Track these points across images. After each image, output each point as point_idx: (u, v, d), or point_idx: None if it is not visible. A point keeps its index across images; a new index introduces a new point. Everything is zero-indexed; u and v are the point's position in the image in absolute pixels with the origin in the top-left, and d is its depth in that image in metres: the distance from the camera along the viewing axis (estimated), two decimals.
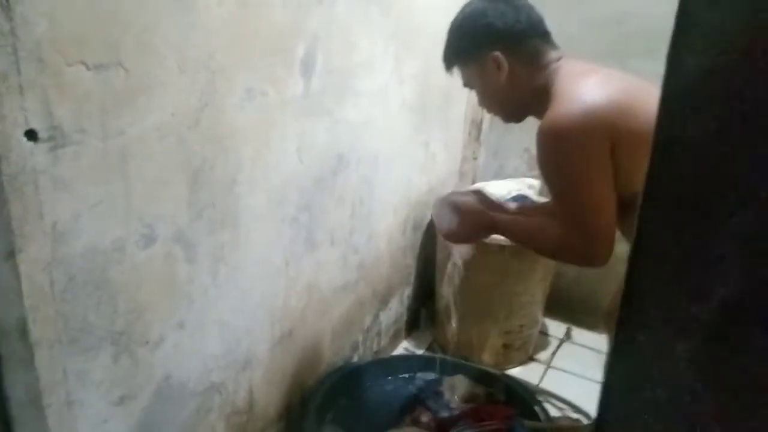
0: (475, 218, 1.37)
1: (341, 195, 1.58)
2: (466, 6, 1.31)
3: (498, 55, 1.26)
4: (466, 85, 1.38)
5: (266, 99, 1.22)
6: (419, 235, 2.13)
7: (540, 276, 1.98)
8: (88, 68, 0.86)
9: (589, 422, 1.76)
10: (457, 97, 2.13)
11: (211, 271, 1.19)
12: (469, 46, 1.30)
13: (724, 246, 0.37)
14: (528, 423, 1.55)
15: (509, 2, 1.27)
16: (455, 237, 1.43)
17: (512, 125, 1.42)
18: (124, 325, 1.02)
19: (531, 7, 1.29)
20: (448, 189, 2.08)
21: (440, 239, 2.04)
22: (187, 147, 1.06)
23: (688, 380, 0.40)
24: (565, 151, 1.14)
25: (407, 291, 2.14)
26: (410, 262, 2.11)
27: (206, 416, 1.27)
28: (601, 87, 1.16)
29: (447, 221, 1.40)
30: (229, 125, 1.14)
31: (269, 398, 1.48)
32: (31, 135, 0.81)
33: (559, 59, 1.26)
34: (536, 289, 2.01)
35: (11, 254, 0.83)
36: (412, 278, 2.16)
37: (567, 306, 2.29)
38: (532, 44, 1.26)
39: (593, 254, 1.17)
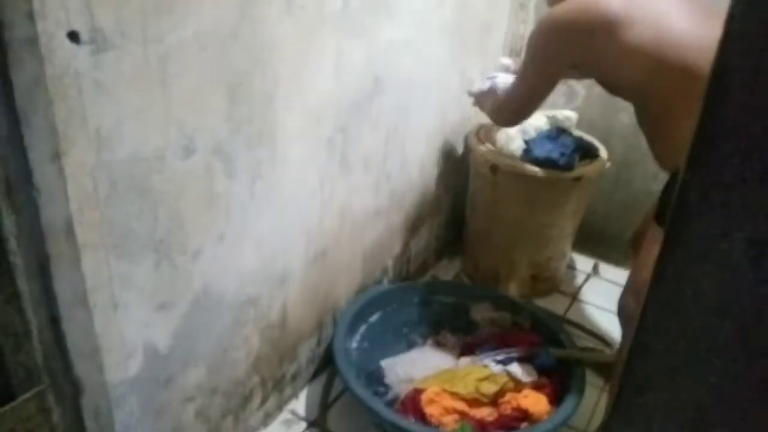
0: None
1: (377, 119, 1.57)
2: None
3: None
4: None
5: (305, 12, 1.19)
6: (451, 165, 2.11)
7: (572, 209, 1.96)
8: None
9: (612, 351, 1.78)
10: (497, 25, 2.07)
11: (248, 186, 1.20)
12: None
13: None
14: (552, 350, 1.57)
15: None
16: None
17: None
18: (164, 233, 1.04)
19: None
20: (482, 119, 2.04)
21: (473, 169, 2.03)
22: (227, 59, 1.05)
23: (743, 267, 0.39)
24: (536, 42, 1.39)
25: (437, 220, 2.14)
26: (441, 192, 2.10)
27: (241, 328, 1.31)
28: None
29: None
30: (269, 39, 1.13)
31: (302, 315, 1.52)
32: (73, 36, 0.81)
33: None
34: (566, 223, 2.00)
35: (57, 156, 0.84)
36: (442, 208, 2.15)
37: (596, 241, 2.27)
38: None
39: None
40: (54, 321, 0.96)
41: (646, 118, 1.37)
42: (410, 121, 1.73)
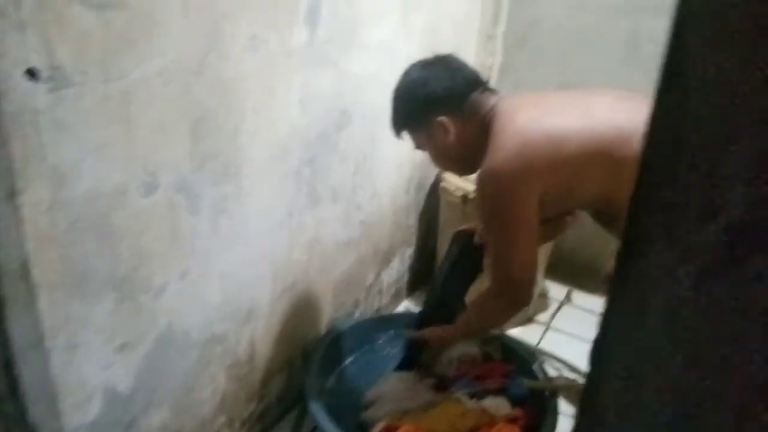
0: (439, 342, 1.53)
1: (344, 151, 1.57)
2: (404, 76, 1.34)
3: (442, 120, 1.29)
4: (417, 147, 1.41)
5: (270, 48, 1.19)
6: (422, 196, 2.12)
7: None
8: (89, 7, 0.84)
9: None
10: (465, 56, 2.09)
11: (213, 221, 1.18)
12: (414, 116, 1.34)
13: (731, 166, 0.36)
14: (526, 381, 1.56)
15: (445, 66, 1.32)
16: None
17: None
18: (126, 271, 1.02)
19: (465, 65, 1.35)
20: None
21: (444, 199, 2.04)
22: (191, 94, 1.05)
23: (689, 303, 0.40)
24: (495, 198, 1.23)
25: (409, 251, 2.14)
26: (413, 222, 2.11)
27: (207, 366, 1.28)
28: (528, 127, 1.21)
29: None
30: (233, 74, 1.12)
31: (270, 351, 1.49)
32: (31, 74, 0.80)
33: (496, 103, 1.29)
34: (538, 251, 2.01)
35: (12, 195, 0.82)
36: (414, 238, 2.15)
37: (568, 269, 2.29)
38: (472, 99, 1.30)
39: (518, 289, 1.29)
40: (8, 365, 0.92)
41: (606, 216, 1.35)
42: (379, 152, 1.74)
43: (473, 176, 1.93)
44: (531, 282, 1.29)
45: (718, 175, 0.37)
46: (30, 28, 0.78)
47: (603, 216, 1.37)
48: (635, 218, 0.45)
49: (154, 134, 1.00)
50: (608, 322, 0.49)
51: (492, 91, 1.34)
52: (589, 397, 0.57)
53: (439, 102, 1.29)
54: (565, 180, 1.23)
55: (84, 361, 0.99)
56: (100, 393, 1.04)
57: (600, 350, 0.52)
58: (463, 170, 1.44)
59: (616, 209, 1.22)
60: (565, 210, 1.43)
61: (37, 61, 0.80)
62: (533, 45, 2.21)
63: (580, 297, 2.26)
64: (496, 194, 1.22)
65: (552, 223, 1.50)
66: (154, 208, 1.04)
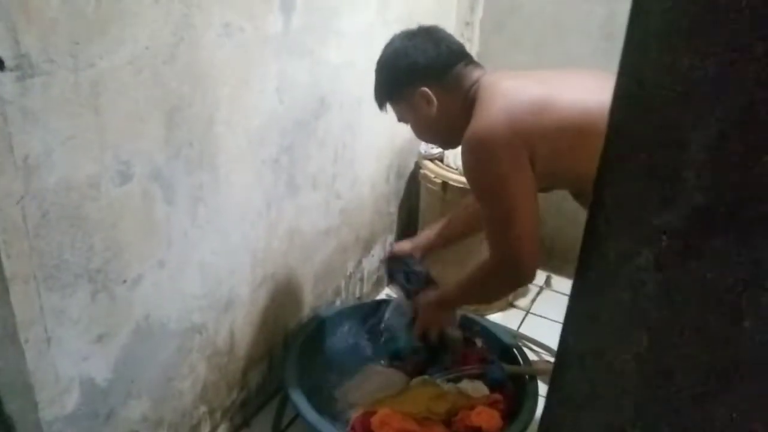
0: (430, 312, 1.48)
1: (323, 139, 1.56)
2: (387, 46, 1.32)
3: (425, 90, 1.27)
4: (400, 120, 1.38)
5: (245, 35, 1.18)
6: (402, 183, 2.12)
7: None
8: None
9: None
10: None
11: (190, 211, 1.17)
12: (396, 86, 1.31)
13: (689, 155, 0.37)
14: (506, 366, 1.58)
15: (428, 36, 1.29)
16: (432, 327, 1.50)
17: None
18: (100, 263, 1.01)
19: (450, 36, 1.31)
20: None
21: (423, 186, 2.04)
22: (163, 83, 1.03)
23: (650, 286, 0.40)
24: (483, 162, 1.17)
25: (390, 238, 2.14)
26: (393, 209, 2.11)
27: (187, 356, 1.28)
28: (515, 91, 1.18)
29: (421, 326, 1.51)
30: (207, 62, 1.11)
31: (251, 340, 1.49)
32: None
33: (480, 77, 1.27)
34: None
35: None
36: (394, 226, 2.16)
37: (547, 254, 2.30)
38: (456, 71, 1.28)
39: (519, 269, 1.21)
40: None
41: (585, 197, 1.24)
42: (359, 140, 1.73)
43: (453, 161, 1.95)
44: (533, 255, 1.19)
45: (676, 163, 0.38)
46: None
47: (584, 197, 1.36)
48: (598, 204, 0.45)
49: (127, 123, 0.99)
50: (575, 304, 0.50)
51: (476, 64, 1.31)
52: (559, 374, 0.58)
53: (421, 72, 1.26)
54: (550, 151, 1.17)
55: (60, 353, 0.98)
56: (77, 385, 1.03)
57: (567, 332, 0.53)
58: (445, 142, 1.41)
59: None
60: (546, 188, 1.42)
61: (2, 50, 0.79)
62: (510, 31, 2.21)
63: (560, 282, 2.29)
64: (485, 159, 1.16)
65: None
66: (128, 198, 1.03)
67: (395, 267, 1.58)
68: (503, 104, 1.17)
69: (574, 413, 0.50)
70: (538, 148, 1.17)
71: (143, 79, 0.99)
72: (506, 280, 1.27)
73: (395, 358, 1.61)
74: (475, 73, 1.28)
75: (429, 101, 1.28)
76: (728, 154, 0.36)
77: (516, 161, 1.15)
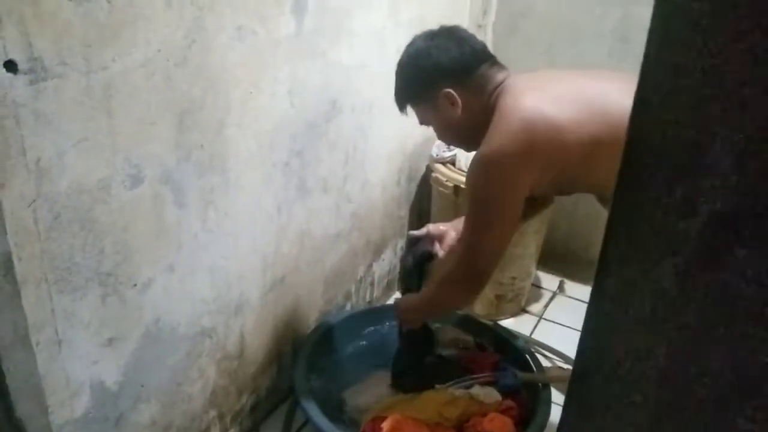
0: (407, 316, 1.50)
1: (334, 142, 1.56)
2: (409, 47, 1.30)
3: (449, 91, 1.25)
4: (422, 123, 1.37)
5: (257, 38, 1.18)
6: (414, 187, 2.11)
7: (534, 228, 1.97)
8: None
9: None
10: None
11: (200, 214, 1.17)
12: (419, 88, 1.29)
13: (713, 160, 0.36)
14: (520, 374, 1.56)
15: (451, 36, 1.27)
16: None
17: None
18: (111, 266, 1.01)
19: (472, 36, 1.30)
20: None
21: (435, 190, 2.03)
22: (175, 86, 1.03)
23: (673, 295, 0.39)
24: (488, 182, 1.20)
25: (401, 242, 2.13)
26: (404, 213, 2.10)
27: (197, 360, 1.27)
28: (534, 113, 1.17)
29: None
30: (218, 65, 1.11)
31: (261, 344, 1.48)
32: (10, 66, 0.79)
33: (504, 80, 1.26)
34: (530, 241, 2.01)
35: None
36: (405, 230, 2.14)
37: (561, 259, 2.29)
38: (480, 72, 1.26)
39: (474, 286, 1.29)
40: None
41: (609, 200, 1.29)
42: (370, 143, 1.73)
43: (465, 165, 1.93)
44: (491, 273, 1.27)
45: (699, 169, 0.37)
46: (7, 19, 0.76)
47: (608, 200, 1.33)
48: (618, 211, 0.44)
49: (138, 126, 0.99)
50: (593, 314, 0.49)
51: (501, 66, 1.29)
52: (576, 387, 0.56)
53: (445, 72, 1.24)
54: (570, 168, 1.19)
55: (71, 356, 0.98)
56: (87, 388, 1.03)
57: (586, 341, 0.52)
58: (468, 144, 1.38)
59: None
60: (567, 192, 1.40)
61: (15, 53, 0.79)
62: (523, 34, 2.20)
63: (573, 287, 2.26)
64: (487, 180, 1.19)
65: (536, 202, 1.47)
66: (139, 202, 1.02)
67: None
68: (521, 126, 1.16)
69: (592, 424, 0.49)
70: (554, 166, 1.18)
71: (155, 82, 0.99)
72: (464, 290, 1.31)
73: (398, 376, 1.59)
74: (500, 75, 1.26)
75: (453, 102, 1.26)
76: (754, 158, 0.35)
77: (514, 189, 1.19)
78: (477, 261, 1.24)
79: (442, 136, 1.38)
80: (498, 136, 1.18)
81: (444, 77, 1.25)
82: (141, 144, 1.00)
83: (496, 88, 1.25)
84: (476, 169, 1.21)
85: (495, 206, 1.20)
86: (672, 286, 0.39)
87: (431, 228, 1.56)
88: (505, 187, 1.18)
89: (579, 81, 1.26)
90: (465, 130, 1.30)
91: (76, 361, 0.99)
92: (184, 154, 1.09)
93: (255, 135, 1.26)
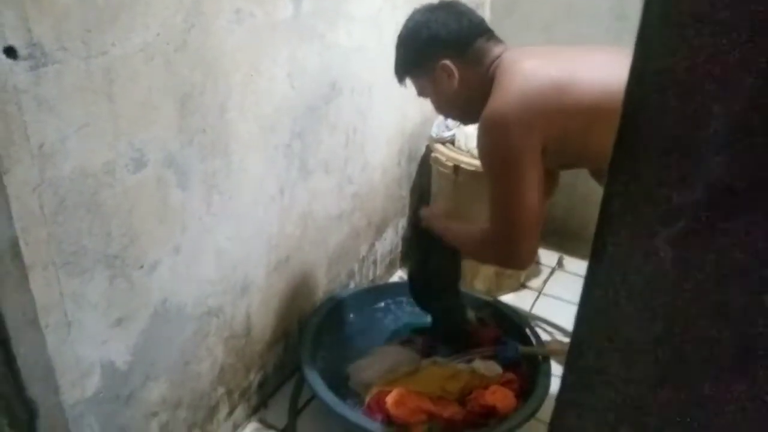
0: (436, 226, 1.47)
1: (335, 124, 1.57)
2: (408, 20, 1.31)
3: (447, 63, 1.26)
4: (420, 94, 1.37)
5: (255, 21, 1.19)
6: (414, 167, 2.12)
7: None
8: None
9: None
10: None
11: (204, 197, 1.18)
12: (417, 59, 1.30)
13: (710, 130, 0.37)
14: (520, 347, 1.59)
15: (449, 9, 1.28)
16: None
17: None
18: (117, 248, 1.03)
19: (471, 10, 1.30)
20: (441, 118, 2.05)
21: (435, 169, 2.04)
22: (175, 70, 1.04)
23: (669, 267, 0.40)
24: (496, 142, 1.17)
25: (402, 222, 2.15)
26: (405, 193, 2.11)
27: (204, 339, 1.30)
28: (534, 72, 1.17)
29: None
30: (218, 48, 1.12)
31: (267, 323, 1.51)
32: (9, 52, 0.80)
33: (502, 53, 1.26)
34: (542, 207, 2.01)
35: None
36: (407, 209, 2.16)
37: (559, 235, 2.30)
38: (477, 45, 1.26)
39: (513, 251, 1.22)
40: (3, 343, 0.94)
41: (604, 175, 1.26)
42: (370, 124, 1.73)
43: (464, 144, 1.94)
44: (530, 243, 1.21)
45: (696, 138, 0.38)
46: (6, 5, 0.77)
47: (602, 174, 1.33)
48: (614, 182, 0.45)
49: (140, 111, 1.00)
50: (590, 285, 0.50)
51: (498, 40, 1.30)
52: (575, 356, 0.58)
53: (443, 45, 1.25)
54: (569, 132, 1.18)
55: (80, 337, 1.00)
56: (97, 368, 1.05)
57: (583, 314, 0.53)
58: (465, 117, 1.40)
59: None
60: (566, 165, 1.40)
61: (15, 39, 0.79)
62: (521, 13, 2.19)
63: (572, 263, 2.28)
64: (499, 138, 1.17)
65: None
66: (143, 185, 1.04)
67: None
68: (521, 85, 1.17)
69: (591, 395, 0.51)
70: (555, 128, 1.17)
71: (155, 66, 1.00)
72: (496, 257, 1.28)
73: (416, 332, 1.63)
74: (497, 49, 1.27)
75: (450, 74, 1.27)
76: (751, 129, 0.36)
77: (528, 144, 1.16)
78: (511, 219, 1.19)
79: (439, 108, 1.39)
80: (500, 96, 1.18)
81: (442, 49, 1.26)
82: (143, 128, 1.01)
83: (493, 61, 1.26)
84: (483, 134, 1.20)
85: (510, 166, 1.17)
86: (668, 257, 0.40)
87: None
88: (515, 145, 1.15)
89: (577, 53, 1.26)
90: (462, 102, 1.31)
91: (85, 342, 1.02)
92: (187, 138, 1.10)
93: (256, 118, 1.27)
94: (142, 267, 1.09)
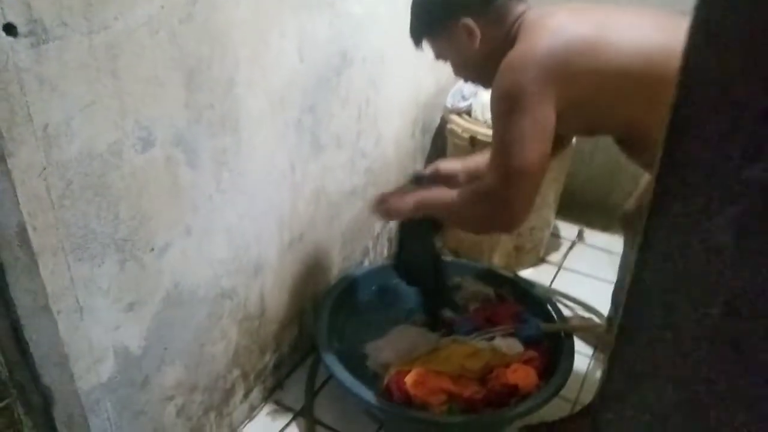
0: (401, 207, 1.37)
1: (346, 96, 1.52)
2: None
3: (468, 22, 1.19)
4: (437, 57, 1.30)
5: None
6: (428, 139, 2.07)
7: (552, 176, 1.93)
8: None
9: (601, 321, 1.77)
10: None
11: (214, 175, 1.15)
12: (436, 19, 1.23)
13: None
14: (542, 324, 1.55)
15: None
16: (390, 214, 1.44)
17: None
18: (127, 232, 1.00)
19: None
20: (457, 87, 1.99)
21: (450, 141, 1.99)
22: (181, 44, 1.00)
23: (729, 249, 0.36)
24: (509, 86, 1.11)
25: None
26: (419, 166, 2.06)
27: (218, 322, 1.27)
28: (563, 28, 1.12)
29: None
30: (224, 21, 1.07)
31: (281, 303, 1.48)
32: (9, 29, 0.76)
33: (525, 11, 1.20)
34: (548, 191, 1.97)
35: (1, 158, 0.79)
36: None
37: (579, 207, 2.26)
38: (499, 3, 1.20)
39: (505, 205, 1.14)
40: (15, 330, 0.92)
41: (635, 143, 1.23)
42: (382, 95, 1.68)
43: (481, 115, 1.89)
44: (527, 198, 1.14)
45: (765, 108, 0.33)
46: None
47: (630, 143, 1.26)
48: (669, 159, 0.40)
49: (146, 87, 0.96)
50: (641, 270, 0.46)
51: None
52: (623, 345, 0.53)
53: (463, 3, 1.20)
54: (595, 94, 1.12)
55: (93, 322, 0.98)
56: (111, 353, 1.03)
57: (633, 298, 0.49)
58: (486, 80, 1.29)
59: (646, 136, 1.12)
60: (588, 132, 1.33)
61: (14, 16, 0.76)
62: None
63: (592, 236, 2.24)
64: (513, 78, 1.10)
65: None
66: (151, 165, 1.00)
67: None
68: (547, 39, 1.11)
69: (640, 385, 0.47)
70: (578, 89, 1.11)
71: (160, 40, 0.96)
72: (485, 212, 1.19)
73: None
74: (520, 7, 1.21)
75: (471, 34, 1.20)
76: None
77: (542, 94, 1.09)
78: (508, 177, 1.12)
79: (458, 71, 1.32)
80: (520, 48, 1.12)
81: (462, 8, 1.20)
82: (150, 105, 0.97)
83: (516, 19, 1.20)
84: (499, 77, 1.13)
85: (518, 113, 1.09)
86: (729, 240, 0.37)
87: (441, 166, 1.50)
88: (530, 90, 1.09)
89: (608, 12, 1.18)
90: (482, 63, 1.23)
91: (98, 327, 0.99)
92: (195, 114, 1.06)
93: (265, 93, 1.22)
94: (152, 250, 1.06)
